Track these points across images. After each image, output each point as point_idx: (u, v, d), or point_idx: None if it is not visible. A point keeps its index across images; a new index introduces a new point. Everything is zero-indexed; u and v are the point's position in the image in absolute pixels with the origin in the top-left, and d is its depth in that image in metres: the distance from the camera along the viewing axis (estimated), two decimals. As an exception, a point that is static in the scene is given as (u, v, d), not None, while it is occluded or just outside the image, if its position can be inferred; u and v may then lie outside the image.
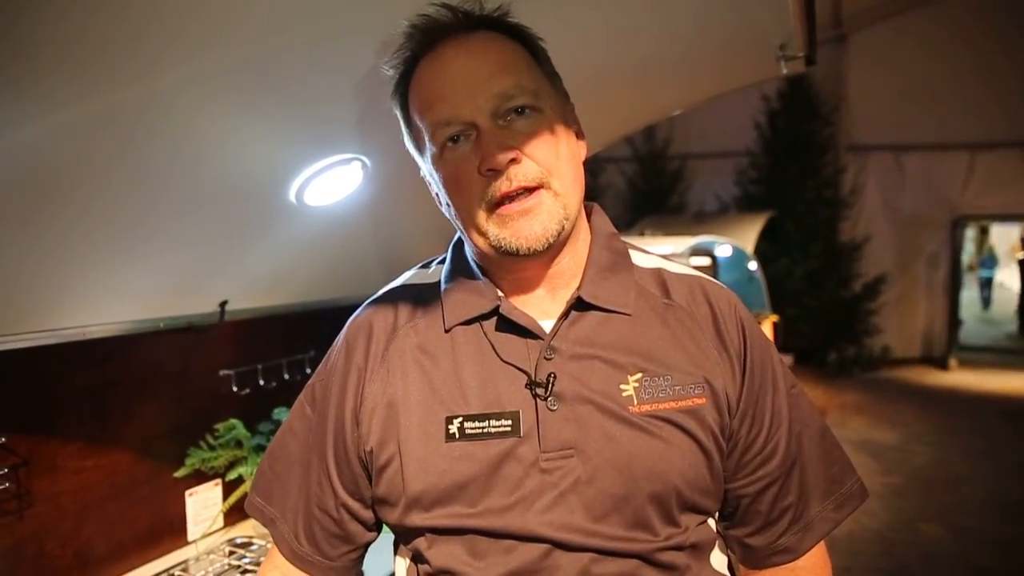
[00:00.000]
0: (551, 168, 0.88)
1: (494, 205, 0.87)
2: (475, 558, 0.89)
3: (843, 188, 8.97)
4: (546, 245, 0.87)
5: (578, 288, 0.94)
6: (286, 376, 2.12)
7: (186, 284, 1.61)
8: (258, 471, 1.06)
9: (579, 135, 0.97)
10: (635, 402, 0.89)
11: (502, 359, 0.92)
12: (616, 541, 0.87)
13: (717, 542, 0.97)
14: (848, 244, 8.93)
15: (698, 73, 1.77)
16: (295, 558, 1.00)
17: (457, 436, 0.89)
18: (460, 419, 0.90)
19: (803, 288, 8.47)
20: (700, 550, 0.92)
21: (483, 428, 0.89)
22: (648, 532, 0.88)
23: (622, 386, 0.90)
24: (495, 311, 0.94)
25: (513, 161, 0.86)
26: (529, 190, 0.87)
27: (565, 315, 0.93)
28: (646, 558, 0.88)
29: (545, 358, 0.91)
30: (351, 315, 1.04)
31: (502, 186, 0.86)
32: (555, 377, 0.89)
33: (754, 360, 0.95)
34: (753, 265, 6.10)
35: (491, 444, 0.88)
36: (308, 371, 2.14)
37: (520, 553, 0.87)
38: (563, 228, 0.89)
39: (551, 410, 0.89)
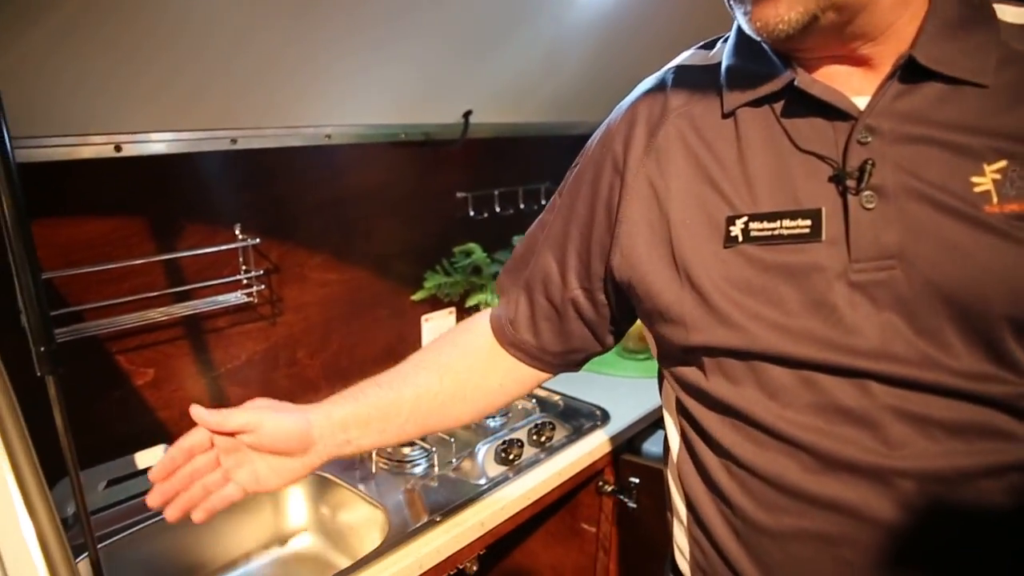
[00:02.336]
0: None
1: None
2: (764, 393, 0.69)
3: None
4: (789, 32, 0.63)
5: (910, 47, 0.65)
6: (522, 205, 1.97)
7: (430, 87, 1.46)
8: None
9: None
10: (994, 199, 0.63)
11: (799, 147, 0.69)
12: (959, 379, 0.63)
13: None
14: None
15: None
16: (500, 333, 0.93)
17: (740, 240, 0.70)
18: (744, 219, 0.70)
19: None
20: None
21: (774, 230, 0.69)
22: (1007, 370, 0.63)
23: (975, 178, 0.63)
24: (788, 87, 0.69)
25: None
26: None
27: (888, 84, 0.66)
28: (1003, 404, 0.63)
29: (858, 142, 0.66)
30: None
31: None
32: (872, 165, 0.65)
33: None
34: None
35: (784, 250, 0.68)
36: (543, 202, 1.98)
37: (825, 388, 0.66)
38: (815, 9, 0.62)
39: (866, 208, 0.66)
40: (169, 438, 1.00)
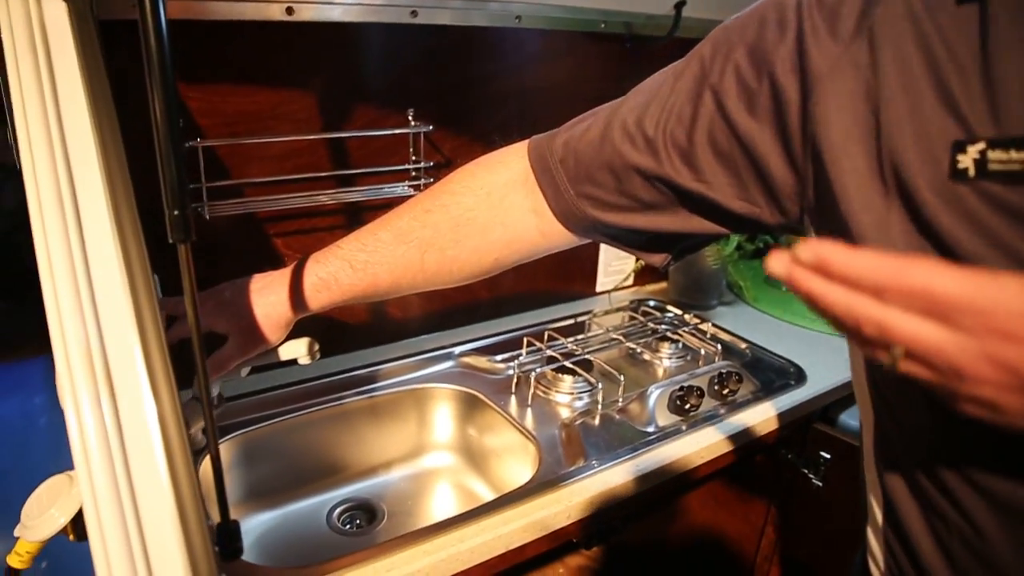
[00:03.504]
0: None
1: None
2: None
3: None
4: None
5: None
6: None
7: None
8: None
9: None
10: None
11: None
12: None
13: None
14: None
15: None
16: (539, 163, 0.75)
17: (972, 174, 0.46)
18: (982, 146, 0.46)
19: None
20: None
21: None
22: None
23: None
24: None
25: None
26: None
27: None
28: None
29: None
30: None
31: None
32: None
33: None
34: None
35: None
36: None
37: None
38: None
39: None
40: (318, 332, 0.91)
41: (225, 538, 0.72)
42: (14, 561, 0.76)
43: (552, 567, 1.03)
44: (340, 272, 0.81)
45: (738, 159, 0.62)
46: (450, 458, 1.28)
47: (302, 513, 1.16)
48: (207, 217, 1.05)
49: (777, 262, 0.40)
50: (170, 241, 0.66)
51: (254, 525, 1.11)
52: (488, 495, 1.21)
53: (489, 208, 0.77)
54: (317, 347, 0.97)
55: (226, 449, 1.08)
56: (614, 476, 1.00)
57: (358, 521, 1.17)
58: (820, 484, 1.25)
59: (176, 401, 0.65)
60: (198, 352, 0.67)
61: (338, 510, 1.17)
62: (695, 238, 0.72)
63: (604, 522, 1.02)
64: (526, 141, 0.78)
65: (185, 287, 0.66)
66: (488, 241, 0.78)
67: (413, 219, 0.80)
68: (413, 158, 1.23)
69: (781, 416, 1.19)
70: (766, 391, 1.24)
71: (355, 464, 1.23)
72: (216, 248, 1.11)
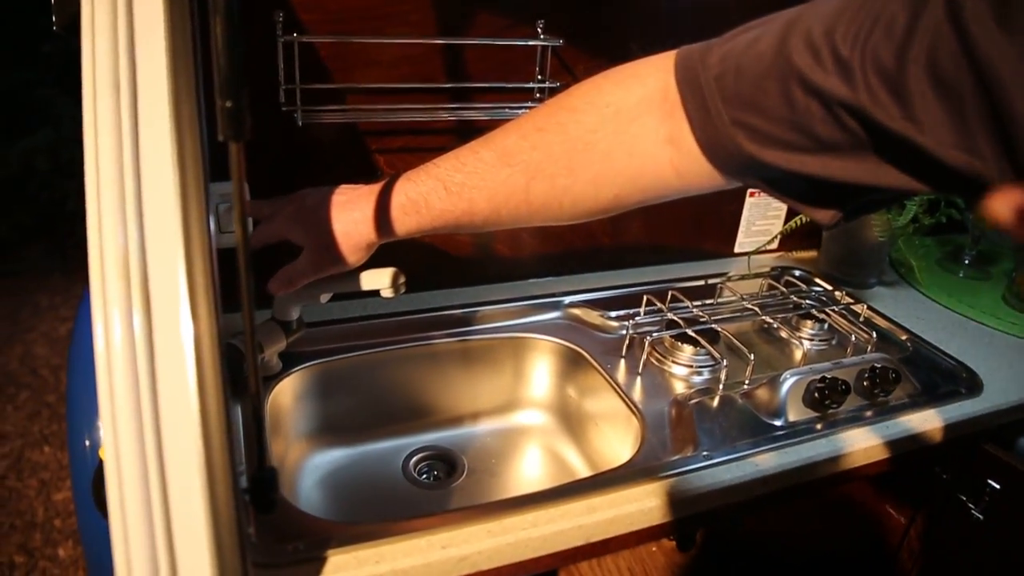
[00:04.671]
0: None
1: None
2: None
3: None
4: None
5: None
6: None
7: None
8: None
9: None
10: None
11: None
12: None
13: None
14: None
15: None
16: (687, 79, 0.58)
17: None
18: None
19: None
20: None
21: None
22: None
23: None
24: None
25: None
26: None
27: None
28: None
29: None
30: None
31: None
32: None
33: None
34: None
35: None
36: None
37: None
38: None
39: None
40: (411, 263, 0.79)
41: (259, 487, 0.63)
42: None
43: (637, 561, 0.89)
44: (432, 194, 0.69)
45: (967, 91, 0.43)
46: (543, 418, 1.16)
47: (377, 456, 1.08)
48: (300, 123, 0.94)
49: (1005, 202, 0.33)
50: (219, 138, 0.56)
51: (325, 461, 1.04)
52: (579, 466, 1.08)
53: (615, 131, 0.61)
54: (403, 280, 0.86)
55: (302, 378, 1.00)
56: (727, 473, 0.84)
57: (436, 472, 1.07)
58: (981, 517, 1.04)
59: (215, 325, 0.55)
60: (243, 269, 0.57)
61: (416, 458, 1.08)
62: (880, 193, 0.53)
63: (706, 524, 0.87)
64: (670, 52, 0.62)
65: (234, 194, 0.56)
66: (609, 172, 0.63)
67: (522, 138, 0.66)
68: (539, 76, 1.07)
69: (943, 429, 0.98)
70: (928, 396, 1.02)
71: (440, 411, 1.13)
72: (308, 158, 1.01)
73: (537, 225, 0.70)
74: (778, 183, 0.57)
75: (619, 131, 0.61)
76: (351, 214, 0.73)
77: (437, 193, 0.68)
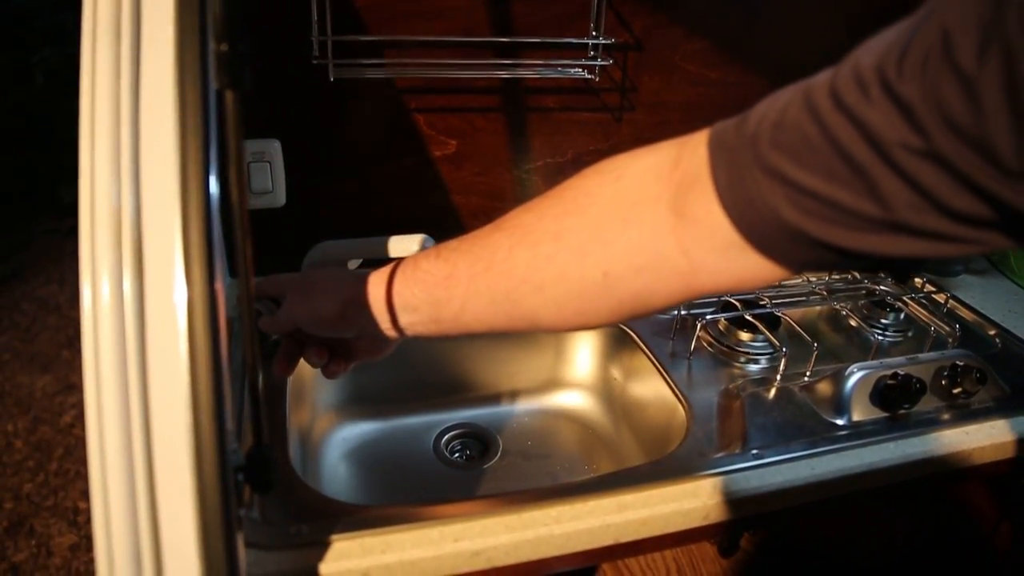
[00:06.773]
0: None
1: None
2: None
3: None
4: None
5: None
6: None
7: None
8: None
9: None
10: None
11: None
12: None
13: None
14: None
15: None
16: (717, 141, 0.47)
17: None
18: None
19: None
20: None
21: None
22: None
23: None
24: None
25: None
26: None
27: None
28: None
29: None
30: None
31: None
32: None
33: None
34: None
35: None
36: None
37: None
38: None
39: None
40: (445, 231, 0.72)
41: (253, 467, 0.59)
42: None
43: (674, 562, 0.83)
44: (423, 257, 0.61)
45: None
46: (584, 400, 1.09)
47: (409, 430, 1.03)
48: (331, 78, 0.89)
49: None
50: (215, 87, 0.51)
51: (353, 434, 1.00)
52: (619, 454, 1.01)
53: (613, 195, 0.51)
54: (432, 245, 0.80)
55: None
56: (779, 475, 0.76)
57: (468, 452, 1.02)
58: (1070, 536, 0.93)
59: (208, 291, 0.51)
60: (241, 236, 0.52)
61: (448, 435, 1.03)
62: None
63: (752, 528, 0.79)
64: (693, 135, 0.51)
65: (231, 150, 0.50)
66: (599, 240, 0.51)
67: (525, 208, 0.57)
68: (593, 32, 0.99)
69: (1033, 438, 0.87)
70: (1017, 400, 0.91)
71: (476, 387, 1.08)
72: (340, 116, 0.95)
73: (518, 328, 0.59)
74: (827, 264, 0.47)
75: (618, 195, 0.51)
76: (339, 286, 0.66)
77: (428, 256, 0.60)
